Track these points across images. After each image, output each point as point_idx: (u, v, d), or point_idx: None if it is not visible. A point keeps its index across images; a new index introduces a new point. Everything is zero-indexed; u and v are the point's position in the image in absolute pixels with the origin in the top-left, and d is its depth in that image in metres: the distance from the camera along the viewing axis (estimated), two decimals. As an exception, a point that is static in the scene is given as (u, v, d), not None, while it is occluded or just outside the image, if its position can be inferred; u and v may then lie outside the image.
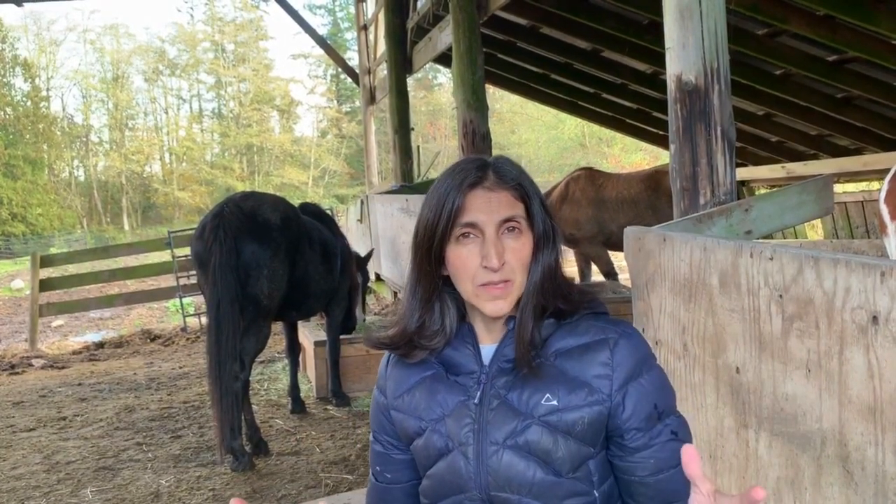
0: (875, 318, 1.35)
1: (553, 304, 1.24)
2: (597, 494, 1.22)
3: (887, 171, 2.67)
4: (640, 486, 1.22)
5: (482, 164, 1.24)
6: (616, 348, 1.22)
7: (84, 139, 44.51)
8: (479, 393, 1.24)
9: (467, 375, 1.26)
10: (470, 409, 1.23)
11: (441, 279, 1.27)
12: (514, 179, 1.24)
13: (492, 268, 1.18)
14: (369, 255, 6.62)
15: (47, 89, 43.65)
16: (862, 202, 7.59)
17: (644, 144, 15.63)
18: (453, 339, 1.28)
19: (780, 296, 1.65)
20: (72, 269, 12.28)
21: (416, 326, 1.28)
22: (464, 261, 1.21)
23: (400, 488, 1.36)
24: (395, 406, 1.33)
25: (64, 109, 45.22)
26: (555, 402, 1.19)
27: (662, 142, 9.56)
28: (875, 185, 7.95)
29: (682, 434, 1.23)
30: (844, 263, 1.43)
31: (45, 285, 9.97)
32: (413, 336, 1.28)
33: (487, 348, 1.28)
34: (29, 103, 41.07)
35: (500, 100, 38.07)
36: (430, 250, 1.23)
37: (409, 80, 9.25)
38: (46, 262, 10.45)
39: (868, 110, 6.74)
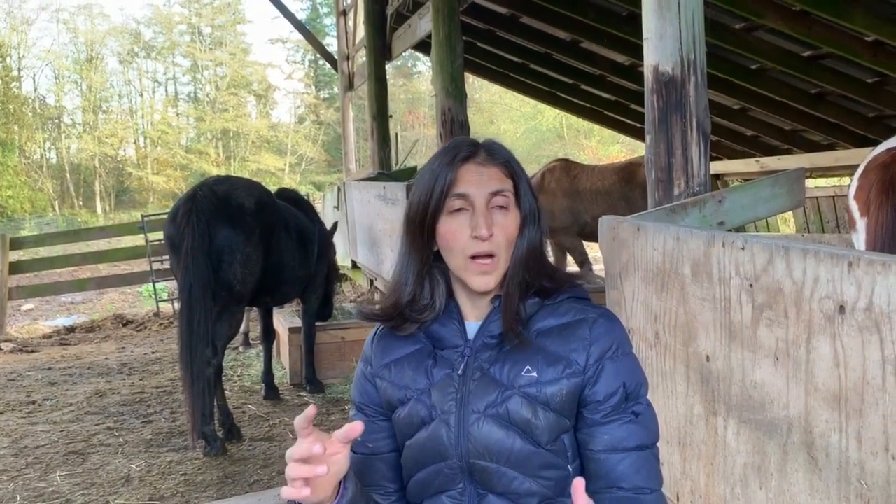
0: (842, 308, 1.37)
1: (538, 281, 1.29)
2: (570, 469, 1.26)
3: (858, 166, 2.71)
4: (591, 462, 1.26)
5: (473, 142, 1.32)
6: (595, 325, 1.27)
7: (56, 121, 43.73)
8: (462, 365, 1.29)
9: (452, 349, 1.31)
10: (454, 380, 1.28)
11: (432, 254, 1.32)
12: (504, 157, 1.31)
13: (481, 237, 1.24)
14: (334, 228, 6.15)
15: (18, 69, 42.72)
16: (833, 197, 7.69)
17: (621, 137, 15.71)
18: (440, 315, 1.33)
19: (751, 285, 1.68)
20: (43, 252, 12.02)
21: (408, 299, 1.32)
22: (454, 233, 1.26)
23: (381, 459, 1.37)
24: (379, 374, 1.36)
25: (36, 90, 44.31)
26: (534, 374, 1.24)
27: (640, 134, 9.59)
28: (846, 180, 8.05)
29: (644, 420, 1.27)
30: (814, 253, 1.45)
31: (15, 268, 9.80)
32: (405, 309, 1.33)
33: (472, 325, 1.33)
34: (-1, 83, 40.23)
35: (479, 90, 38.01)
36: (423, 224, 1.28)
37: (388, 68, 9.20)
38: (16, 244, 10.26)
39: (841, 106, 6.82)
